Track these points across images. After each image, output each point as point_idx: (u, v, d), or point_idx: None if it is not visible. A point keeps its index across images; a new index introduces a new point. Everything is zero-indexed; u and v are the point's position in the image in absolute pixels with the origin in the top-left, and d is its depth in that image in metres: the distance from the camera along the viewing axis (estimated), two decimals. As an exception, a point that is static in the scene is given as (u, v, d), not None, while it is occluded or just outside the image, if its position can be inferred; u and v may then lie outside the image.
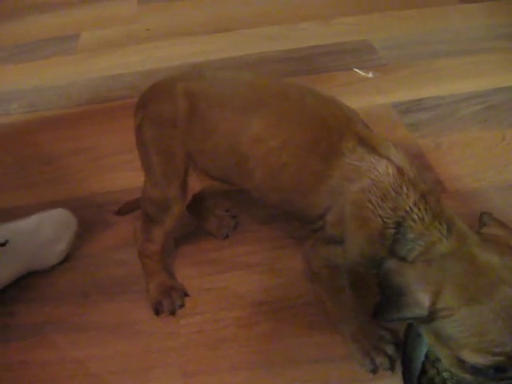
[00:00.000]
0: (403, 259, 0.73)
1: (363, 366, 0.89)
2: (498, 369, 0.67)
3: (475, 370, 0.69)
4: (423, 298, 0.67)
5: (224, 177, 0.90)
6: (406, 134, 1.35)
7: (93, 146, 1.42)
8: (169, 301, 1.00)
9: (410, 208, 0.74)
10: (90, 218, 1.20)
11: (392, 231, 0.75)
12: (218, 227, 1.13)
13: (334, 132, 0.80)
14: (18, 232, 1.04)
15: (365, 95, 1.49)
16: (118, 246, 1.13)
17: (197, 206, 1.11)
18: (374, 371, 0.88)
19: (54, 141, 1.44)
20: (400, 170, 0.76)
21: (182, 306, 1.01)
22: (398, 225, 0.74)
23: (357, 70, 1.57)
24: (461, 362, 0.69)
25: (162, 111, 0.88)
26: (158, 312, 1.00)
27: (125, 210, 1.11)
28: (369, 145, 0.79)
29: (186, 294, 1.03)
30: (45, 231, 1.05)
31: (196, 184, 0.93)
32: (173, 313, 1.00)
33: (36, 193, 1.29)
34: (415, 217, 0.73)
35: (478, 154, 1.29)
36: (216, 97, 0.86)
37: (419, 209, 0.74)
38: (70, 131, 1.48)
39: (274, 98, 0.84)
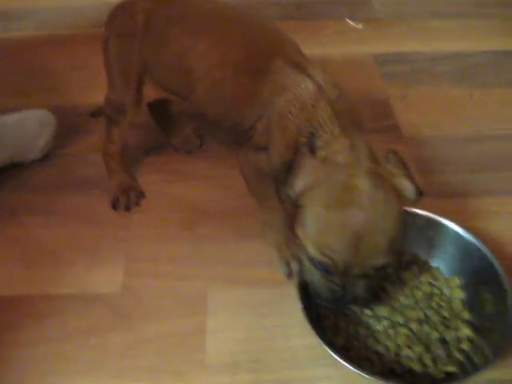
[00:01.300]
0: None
1: (280, 270, 1.00)
2: (326, 269, 0.79)
3: (311, 261, 0.80)
4: (298, 184, 0.78)
5: (174, 88, 1.01)
6: (378, 82, 1.43)
7: (94, 64, 1.52)
8: (126, 198, 1.13)
9: (324, 120, 0.83)
10: (76, 125, 1.33)
11: (305, 140, 0.84)
12: (183, 143, 1.25)
13: (267, 53, 0.91)
14: (5, 124, 1.18)
15: (350, 44, 1.57)
16: (94, 149, 1.24)
17: (167, 122, 1.23)
18: (289, 276, 0.99)
19: (59, 56, 1.56)
20: (321, 89, 0.86)
21: (137, 204, 1.14)
22: (312, 135, 0.84)
23: (348, 21, 1.64)
24: (305, 250, 0.80)
25: (124, 26, 1.01)
26: (115, 207, 1.13)
27: (97, 112, 1.24)
28: (297, 66, 0.89)
29: (143, 195, 1.16)
30: (27, 126, 1.19)
31: (151, 93, 1.05)
32: (128, 209, 1.13)
33: (33, 99, 1.41)
34: (327, 129, 0.83)
35: (441, 108, 1.36)
36: (170, 16, 0.97)
37: (332, 123, 0.83)
38: (76, 49, 1.59)
39: (219, 21, 0.95)
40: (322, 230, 0.77)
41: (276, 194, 0.99)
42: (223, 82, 0.94)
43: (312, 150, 0.82)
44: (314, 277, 0.83)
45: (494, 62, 1.52)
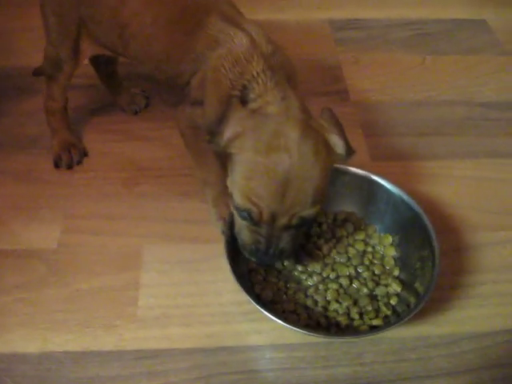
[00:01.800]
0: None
1: (217, 228, 1.01)
2: (252, 218, 0.79)
3: (237, 210, 0.80)
4: (226, 132, 0.78)
5: (109, 45, 1.00)
6: (331, 47, 1.43)
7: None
8: (68, 156, 1.12)
9: (257, 73, 0.83)
10: (25, 85, 1.31)
11: (238, 93, 0.84)
12: (129, 104, 1.24)
13: (200, 9, 0.90)
14: None
15: (307, 10, 1.56)
16: (41, 109, 1.22)
17: (114, 83, 1.23)
18: (223, 233, 0.99)
19: (12, 18, 1.54)
20: (254, 43, 0.85)
21: (79, 162, 1.13)
22: (244, 87, 0.84)
23: (305, -14, 1.63)
24: (233, 199, 0.81)
25: None
26: (57, 165, 1.13)
27: (39, 71, 1.22)
28: (231, 21, 0.88)
29: (86, 154, 1.15)
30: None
31: (89, 49, 1.04)
32: (70, 167, 1.12)
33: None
34: (260, 81, 0.83)
35: (391, 73, 1.36)
36: None
37: (265, 75, 0.83)
38: (29, 11, 1.56)
39: None
40: (248, 175, 0.77)
41: (213, 150, 0.99)
42: (157, 38, 0.93)
43: (244, 102, 0.82)
44: (240, 228, 0.83)
45: (451, 30, 1.52)
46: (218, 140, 0.79)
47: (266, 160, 0.75)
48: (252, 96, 0.83)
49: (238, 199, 0.78)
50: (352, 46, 1.44)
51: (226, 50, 0.86)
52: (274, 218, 0.78)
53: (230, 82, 0.85)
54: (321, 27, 1.49)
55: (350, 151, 0.81)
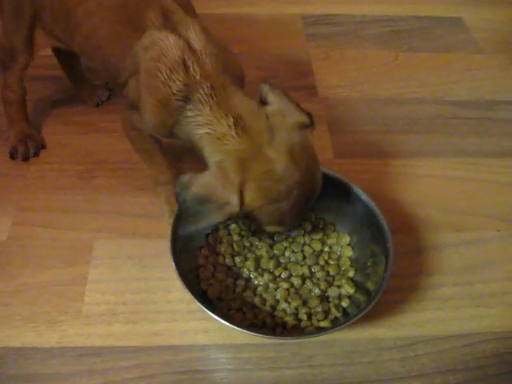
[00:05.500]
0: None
1: (169, 225, 0.98)
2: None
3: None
4: (232, 198, 0.74)
5: (61, 36, 0.96)
6: (302, 42, 1.40)
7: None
8: (24, 148, 1.10)
9: (196, 88, 0.78)
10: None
11: (180, 103, 0.79)
12: (91, 95, 1.21)
13: (141, 1, 0.84)
14: None
15: (279, 4, 1.53)
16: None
17: (76, 74, 1.20)
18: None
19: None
20: (190, 48, 0.79)
21: (36, 154, 1.11)
22: (187, 100, 0.79)
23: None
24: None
25: None
26: (12, 156, 1.10)
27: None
28: (170, 19, 0.82)
29: (43, 146, 1.13)
30: None
31: (43, 42, 1.01)
32: (26, 159, 1.10)
33: None
34: (202, 99, 0.77)
35: (362, 69, 1.34)
36: None
37: (205, 93, 0.77)
38: None
39: None
40: (279, 218, 0.80)
41: (162, 150, 0.97)
42: (99, 30, 0.88)
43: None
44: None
45: (427, 27, 1.50)
46: (229, 211, 0.75)
47: (288, 201, 0.77)
48: (200, 119, 0.78)
49: (276, 229, 0.84)
50: (324, 41, 1.41)
51: (159, 53, 0.79)
52: None
53: (170, 91, 0.79)
54: (293, 22, 1.47)
55: (311, 117, 0.81)
